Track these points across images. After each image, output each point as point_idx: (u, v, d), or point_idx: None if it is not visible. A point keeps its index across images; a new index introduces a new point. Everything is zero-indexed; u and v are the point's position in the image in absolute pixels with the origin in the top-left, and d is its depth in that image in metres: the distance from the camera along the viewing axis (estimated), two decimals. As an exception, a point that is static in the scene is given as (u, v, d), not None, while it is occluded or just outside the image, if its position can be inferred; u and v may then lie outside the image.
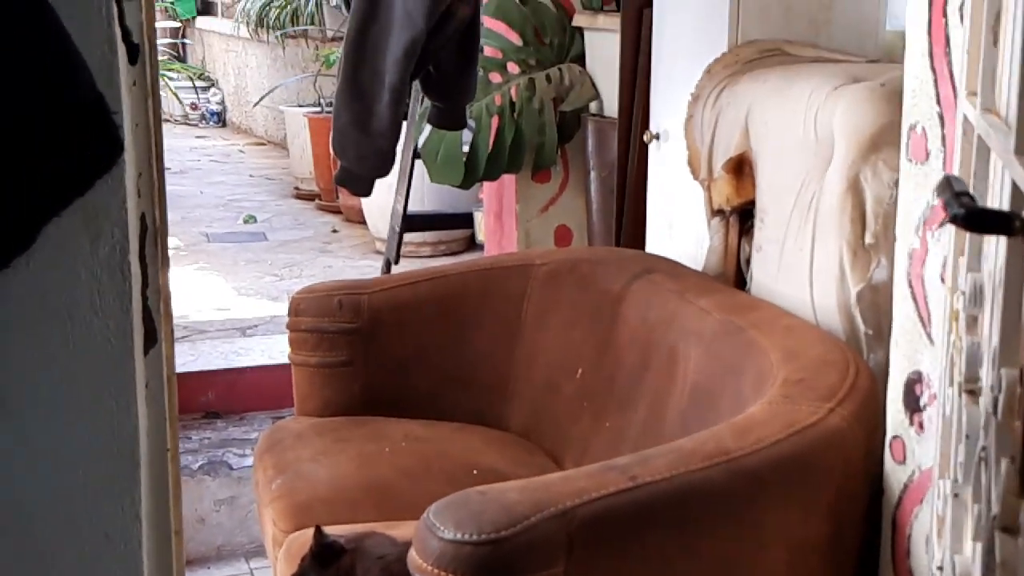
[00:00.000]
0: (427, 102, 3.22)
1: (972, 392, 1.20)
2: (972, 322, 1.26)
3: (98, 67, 1.15)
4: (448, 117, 2.90)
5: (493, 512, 1.62)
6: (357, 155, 2.69)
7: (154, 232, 1.24)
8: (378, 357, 2.89)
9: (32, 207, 1.13)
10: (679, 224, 3.00)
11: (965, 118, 1.36)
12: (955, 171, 1.50)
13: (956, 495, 1.29)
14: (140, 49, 1.14)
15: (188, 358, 3.95)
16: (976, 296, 1.22)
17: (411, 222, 5.01)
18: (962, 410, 1.20)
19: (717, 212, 2.65)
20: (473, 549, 1.58)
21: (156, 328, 1.27)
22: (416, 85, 2.91)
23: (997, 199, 1.11)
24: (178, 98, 9.88)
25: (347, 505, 2.40)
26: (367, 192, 2.74)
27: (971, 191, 1.23)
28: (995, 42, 1.23)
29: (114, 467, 1.24)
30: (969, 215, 0.74)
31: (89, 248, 1.19)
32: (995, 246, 1.15)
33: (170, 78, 9.38)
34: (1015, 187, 0.89)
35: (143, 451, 1.26)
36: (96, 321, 1.21)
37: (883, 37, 2.80)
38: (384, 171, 2.74)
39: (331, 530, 2.07)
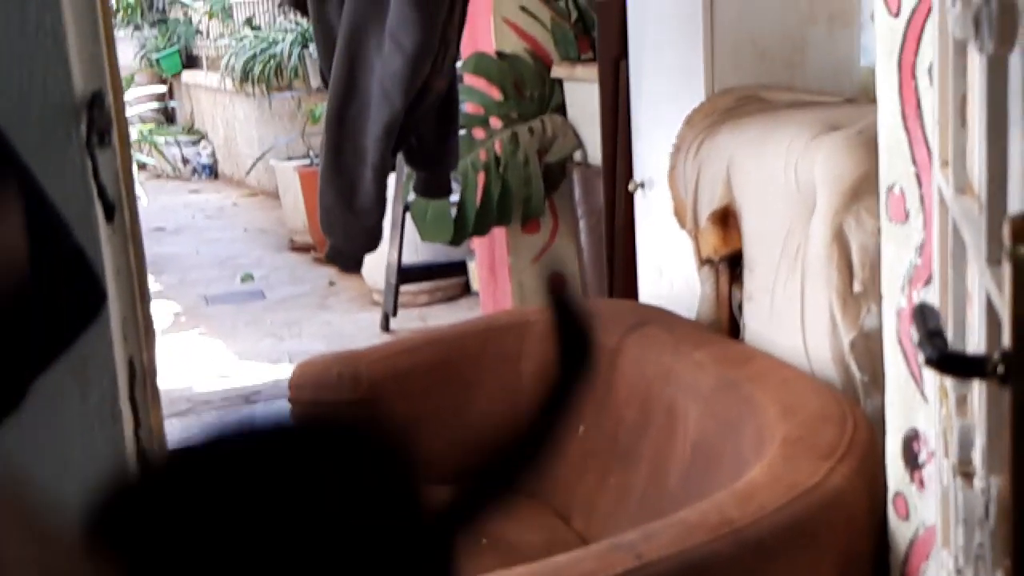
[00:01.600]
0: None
1: (966, 474, 1.20)
2: (962, 401, 1.27)
3: (76, 220, 1.16)
4: (432, 186, 2.92)
5: (503, 601, 1.62)
6: (344, 233, 2.70)
7: (143, 374, 1.25)
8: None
9: (19, 367, 1.13)
10: (669, 271, 3.01)
11: (940, 191, 1.37)
12: (934, 235, 1.51)
13: (959, 571, 1.29)
14: (116, 206, 1.15)
15: (193, 432, 3.95)
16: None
17: (406, 274, 5.04)
18: (958, 492, 1.20)
19: (706, 261, 2.66)
20: (485, 640, 1.58)
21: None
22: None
23: (975, 289, 1.11)
24: (167, 160, 9.91)
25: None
26: (357, 268, 2.76)
27: (949, 279, 1.24)
28: (963, 124, 1.24)
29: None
30: (942, 359, 0.75)
31: (79, 398, 1.20)
32: (977, 324, 1.16)
33: (159, 143, 9.40)
34: (989, 298, 0.89)
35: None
36: (91, 469, 1.22)
37: (858, 73, 2.81)
38: (371, 247, 2.75)
39: None
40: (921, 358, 0.78)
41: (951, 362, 0.78)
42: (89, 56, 1.17)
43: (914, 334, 1.67)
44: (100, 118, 1.16)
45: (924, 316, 0.82)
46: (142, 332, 1.25)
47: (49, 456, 1.18)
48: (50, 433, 1.18)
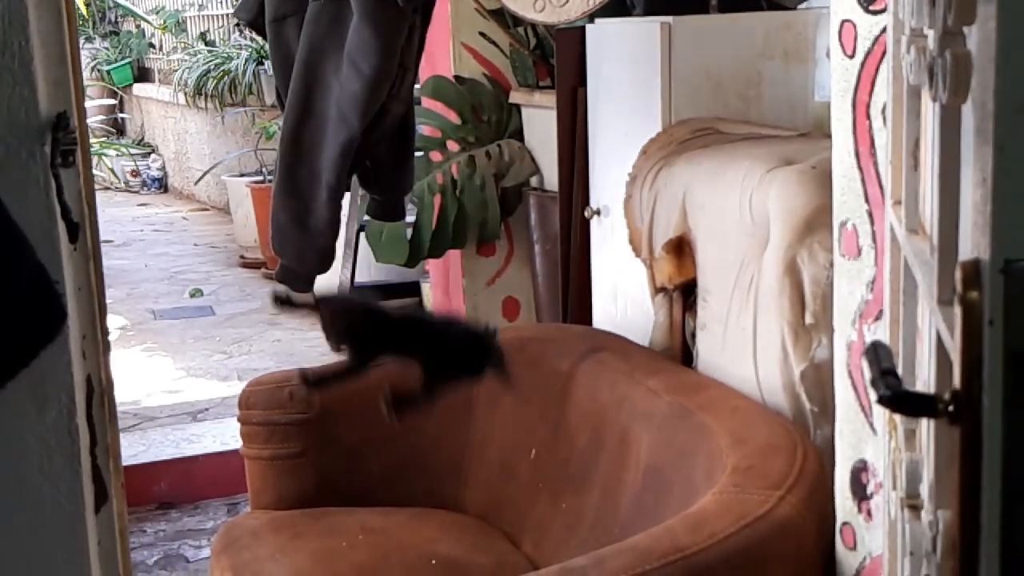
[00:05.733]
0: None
1: (914, 507, 1.23)
2: (911, 435, 1.30)
3: (38, 239, 1.16)
4: (386, 209, 2.93)
5: (455, 627, 1.62)
6: (296, 254, 2.70)
7: (100, 392, 1.25)
8: (331, 446, 2.88)
9: (-24, 383, 1.13)
10: (624, 297, 3.04)
11: (892, 230, 1.40)
12: (886, 272, 1.54)
13: (905, 602, 1.31)
14: (80, 227, 1.15)
15: (139, 448, 3.92)
16: (912, 411, 1.25)
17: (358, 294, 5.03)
18: (905, 525, 1.23)
19: (660, 289, 2.69)
20: (436, 666, 1.59)
21: (107, 485, 1.27)
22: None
23: (926, 327, 1.14)
24: (115, 175, 9.83)
25: (307, 606, 2.39)
26: (308, 289, 2.75)
27: (900, 315, 1.27)
28: (915, 167, 1.27)
29: (70, 628, 1.23)
30: (895, 397, 0.78)
31: (36, 415, 1.20)
32: (927, 361, 1.19)
33: (109, 155, 9.32)
34: (939, 336, 0.92)
35: (98, 608, 1.25)
36: (46, 486, 1.21)
37: (812, 108, 2.87)
38: (324, 268, 2.75)
39: None
40: (874, 396, 0.81)
41: (903, 401, 0.80)
42: (55, 78, 1.17)
43: (866, 371, 1.70)
44: (65, 139, 1.16)
45: (877, 354, 0.85)
46: (100, 349, 1.24)
47: (4, 472, 1.18)
48: (5, 450, 1.18)
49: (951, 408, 0.76)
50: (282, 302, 2.10)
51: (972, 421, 0.73)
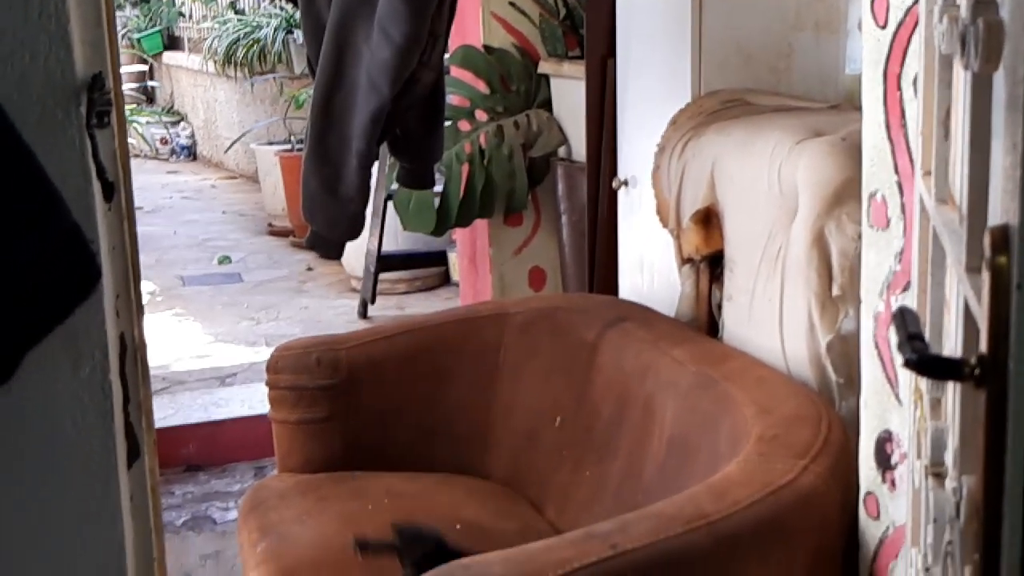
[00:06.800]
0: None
1: (938, 475, 1.23)
2: (936, 404, 1.30)
3: (73, 198, 1.18)
4: (416, 177, 2.93)
5: (479, 588, 1.64)
6: (327, 220, 2.71)
7: (133, 350, 1.27)
8: (358, 412, 2.91)
9: (13, 338, 1.15)
10: (650, 268, 3.04)
11: (922, 200, 1.40)
12: (915, 243, 1.54)
13: (928, 569, 1.32)
14: (115, 187, 1.16)
15: (168, 411, 3.96)
16: (939, 381, 1.25)
17: (386, 262, 5.05)
18: (929, 492, 1.24)
19: (687, 260, 2.69)
20: (460, 626, 1.61)
21: (139, 441, 1.30)
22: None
23: (953, 296, 1.14)
24: (147, 141, 9.87)
25: (332, 568, 2.41)
26: (338, 255, 2.77)
27: (928, 285, 1.27)
28: (946, 136, 1.27)
29: (102, 580, 1.26)
30: (921, 361, 0.78)
31: (71, 371, 1.22)
32: (954, 329, 1.19)
33: (139, 123, 9.36)
34: (967, 302, 0.92)
35: (129, 562, 1.28)
36: (80, 440, 1.23)
37: (843, 81, 2.85)
38: (354, 235, 2.77)
39: None
40: (900, 360, 0.81)
41: (930, 364, 0.80)
42: (91, 39, 1.19)
43: (893, 342, 1.70)
44: (100, 100, 1.17)
45: (904, 319, 0.85)
46: (134, 309, 1.26)
47: (39, 427, 1.20)
48: (41, 405, 1.20)
49: (977, 372, 0.76)
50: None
51: (998, 384, 0.73)
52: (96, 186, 1.16)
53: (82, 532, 1.25)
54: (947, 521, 1.09)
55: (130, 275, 1.25)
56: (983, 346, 0.77)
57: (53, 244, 1.14)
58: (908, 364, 0.78)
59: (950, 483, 1.07)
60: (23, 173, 1.13)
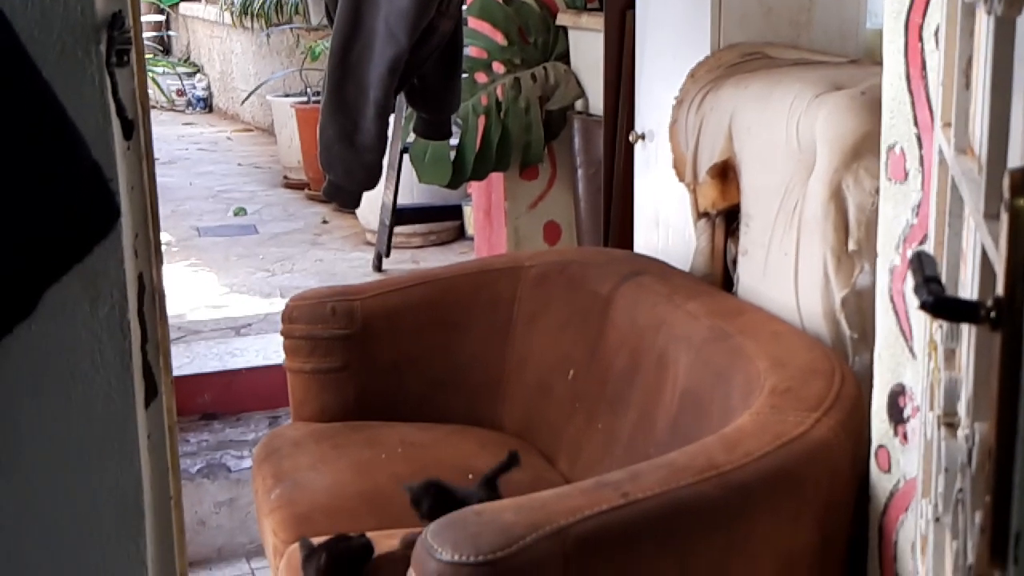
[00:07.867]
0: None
1: (950, 425, 1.24)
2: (950, 355, 1.30)
3: (93, 136, 1.18)
4: (433, 128, 2.93)
5: (490, 533, 1.65)
6: (344, 170, 2.71)
7: (151, 290, 1.27)
8: (372, 362, 2.92)
9: (32, 275, 1.16)
10: (666, 222, 3.03)
11: (941, 151, 1.39)
12: (932, 195, 1.54)
13: (938, 519, 1.33)
14: (134, 125, 1.17)
15: (183, 360, 3.98)
16: (953, 330, 1.25)
17: (401, 215, 5.05)
18: (941, 442, 1.24)
19: (703, 215, 2.68)
20: (471, 570, 1.62)
21: (156, 381, 1.31)
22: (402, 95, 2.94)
23: (970, 247, 1.14)
24: (163, 92, 9.85)
25: (346, 515, 2.44)
26: (355, 205, 2.77)
27: (945, 236, 1.27)
28: (967, 85, 1.26)
29: (119, 516, 1.28)
30: (937, 303, 0.78)
31: (89, 309, 1.23)
32: (971, 278, 1.19)
33: (156, 72, 9.34)
34: (984, 250, 0.92)
35: (147, 500, 1.30)
36: (98, 378, 1.25)
37: (863, 36, 2.83)
38: (371, 184, 2.77)
39: None
40: (916, 304, 0.81)
41: (946, 306, 0.80)
42: (111, -23, 1.18)
43: (909, 290, 1.70)
44: (120, 38, 1.17)
45: (921, 263, 0.85)
46: (152, 250, 1.27)
47: (58, 365, 1.21)
48: (59, 342, 1.21)
49: (993, 314, 0.76)
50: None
51: (1013, 327, 0.74)
52: (116, 124, 1.17)
53: (100, 469, 1.26)
54: (958, 469, 1.10)
55: (148, 215, 1.26)
56: (999, 289, 0.77)
57: (73, 182, 1.15)
58: (924, 306, 0.78)
59: (962, 431, 1.08)
60: (44, 111, 1.13)
